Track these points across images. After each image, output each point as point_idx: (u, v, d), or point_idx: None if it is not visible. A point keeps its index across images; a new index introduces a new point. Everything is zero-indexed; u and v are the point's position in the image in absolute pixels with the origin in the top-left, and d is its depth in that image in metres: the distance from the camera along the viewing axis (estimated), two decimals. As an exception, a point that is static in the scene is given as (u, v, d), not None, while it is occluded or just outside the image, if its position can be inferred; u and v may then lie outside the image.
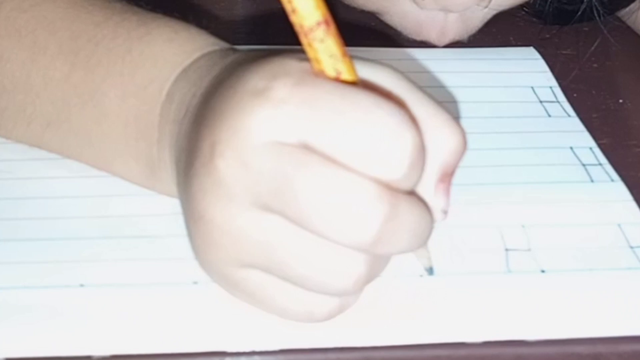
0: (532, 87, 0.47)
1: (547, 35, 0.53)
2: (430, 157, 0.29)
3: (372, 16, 0.53)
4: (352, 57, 0.29)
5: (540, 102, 0.46)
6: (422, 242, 0.29)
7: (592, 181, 0.39)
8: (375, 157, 0.27)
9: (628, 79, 0.49)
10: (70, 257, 0.33)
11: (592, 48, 0.51)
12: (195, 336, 0.30)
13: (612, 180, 0.39)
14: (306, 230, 0.28)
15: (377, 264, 0.29)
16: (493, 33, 0.52)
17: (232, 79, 0.30)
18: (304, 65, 0.29)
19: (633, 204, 0.37)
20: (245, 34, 0.53)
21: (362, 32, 0.53)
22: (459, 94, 0.46)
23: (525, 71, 0.49)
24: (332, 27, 0.28)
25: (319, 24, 0.27)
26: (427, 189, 0.30)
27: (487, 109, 0.45)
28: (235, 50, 0.35)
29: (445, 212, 0.31)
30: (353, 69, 0.29)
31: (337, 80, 0.28)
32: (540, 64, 0.50)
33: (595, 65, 0.50)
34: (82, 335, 0.30)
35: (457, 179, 0.38)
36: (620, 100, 0.46)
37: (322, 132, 0.27)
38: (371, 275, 0.29)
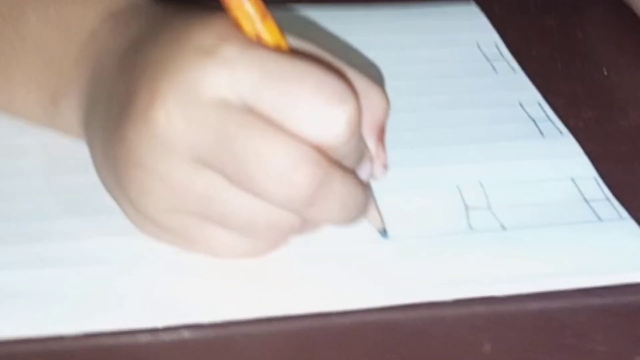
0: (477, 45, 0.48)
1: (532, 4, 0.53)
2: (365, 120, 0.31)
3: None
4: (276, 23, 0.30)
5: (487, 59, 0.46)
6: (354, 217, 0.31)
7: (542, 136, 0.40)
8: (318, 123, 0.28)
9: (612, 50, 0.49)
10: (29, 235, 0.32)
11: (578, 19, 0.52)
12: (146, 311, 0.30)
13: (562, 133, 0.40)
14: (243, 189, 0.29)
15: (306, 225, 0.31)
16: (476, 1, 0.52)
17: (173, 33, 0.30)
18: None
19: (584, 158, 0.39)
20: None
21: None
22: (405, 54, 0.46)
23: (468, 28, 0.49)
24: None
25: None
26: (370, 147, 0.32)
27: (433, 67, 0.45)
28: (160, 2, 0.35)
29: (386, 167, 0.33)
30: (277, 33, 0.30)
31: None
32: (483, 20, 0.50)
33: (580, 35, 0.50)
34: (50, 315, 0.29)
35: (412, 140, 0.39)
36: (605, 72, 0.46)
37: (270, 96, 0.28)
38: (300, 233, 0.31)
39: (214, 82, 0.28)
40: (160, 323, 0.29)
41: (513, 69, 0.46)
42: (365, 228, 0.34)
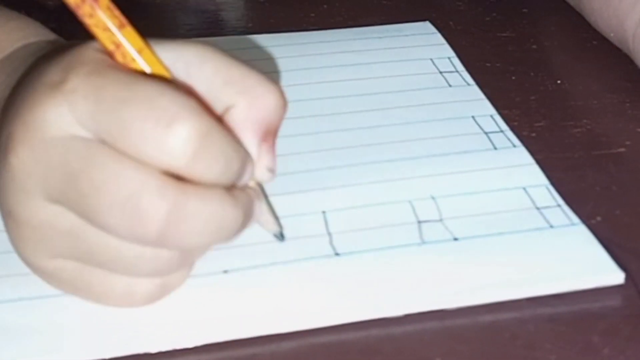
0: (431, 59, 0.48)
1: (487, 18, 0.54)
2: (249, 118, 0.29)
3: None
4: (136, 30, 0.29)
5: (440, 72, 0.47)
6: (223, 236, 0.29)
7: (495, 148, 0.40)
8: (158, 146, 0.27)
9: (566, 60, 0.49)
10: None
11: (531, 30, 0.52)
12: (117, 340, 0.30)
13: (514, 146, 0.40)
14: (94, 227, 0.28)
15: (186, 257, 0.30)
16: (433, 18, 0.53)
17: (33, 72, 0.30)
18: (101, 55, 0.28)
19: (536, 167, 0.38)
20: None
21: (264, 16, 0.53)
22: (361, 72, 0.47)
23: (423, 45, 0.49)
24: (102, 1, 0.28)
25: (83, 0, 0.28)
26: (251, 149, 0.30)
27: (389, 84, 0.45)
28: (58, 41, 0.35)
29: (271, 171, 0.31)
30: (138, 41, 0.29)
31: (119, 57, 0.28)
32: (437, 37, 0.50)
33: (534, 46, 0.51)
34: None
35: (367, 157, 0.39)
36: (559, 81, 0.46)
37: (106, 123, 0.27)
38: (185, 260, 0.29)
39: (56, 117, 0.27)
40: (110, 354, 0.29)
41: (467, 82, 0.46)
42: (314, 245, 0.34)
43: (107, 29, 0.28)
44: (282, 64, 0.47)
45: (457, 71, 0.47)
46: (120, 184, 0.26)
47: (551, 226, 0.35)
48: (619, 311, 0.31)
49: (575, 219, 0.35)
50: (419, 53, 0.49)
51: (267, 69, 0.47)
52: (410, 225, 0.35)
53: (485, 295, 0.32)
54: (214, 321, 0.30)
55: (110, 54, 0.29)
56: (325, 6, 0.55)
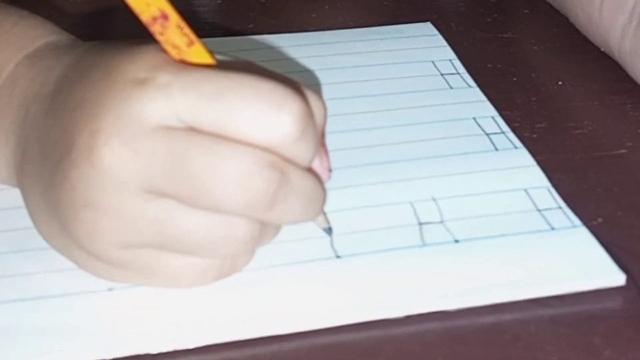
0: (432, 61, 0.48)
1: (488, 20, 0.54)
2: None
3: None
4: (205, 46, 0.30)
5: (442, 75, 0.47)
6: (315, 212, 0.31)
7: (496, 150, 0.40)
8: (265, 127, 0.28)
9: (568, 61, 0.49)
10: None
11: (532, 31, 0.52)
12: (117, 342, 0.30)
13: (516, 147, 0.40)
14: (199, 208, 0.29)
15: (268, 230, 0.31)
16: (434, 19, 0.53)
17: (103, 69, 0.30)
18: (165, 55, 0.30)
19: (537, 168, 0.38)
20: (88, 28, 0.52)
21: (265, 18, 0.53)
22: (362, 74, 0.46)
23: (424, 47, 0.49)
24: (172, 20, 0.29)
25: (154, 19, 0.29)
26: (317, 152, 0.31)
27: (391, 85, 0.45)
28: (80, 41, 0.35)
29: (330, 171, 0.34)
30: (207, 57, 0.30)
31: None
32: (438, 39, 0.50)
33: (535, 48, 0.51)
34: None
35: (368, 158, 0.39)
36: (560, 83, 0.46)
37: (211, 112, 0.28)
38: (260, 241, 0.31)
39: (152, 110, 0.28)
40: (111, 355, 0.29)
41: (468, 84, 0.46)
42: (315, 247, 0.34)
43: (176, 47, 0.29)
44: (283, 64, 0.47)
45: (458, 73, 0.47)
46: (232, 161, 0.28)
47: (552, 228, 0.35)
48: (620, 313, 0.31)
49: (576, 220, 0.35)
50: (420, 55, 0.48)
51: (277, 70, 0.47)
52: (411, 227, 0.35)
53: (486, 296, 0.32)
54: (215, 322, 0.30)
55: (176, 50, 0.30)
56: (326, 7, 0.55)
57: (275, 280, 0.32)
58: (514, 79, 0.47)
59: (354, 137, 0.41)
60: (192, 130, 0.28)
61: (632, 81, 0.45)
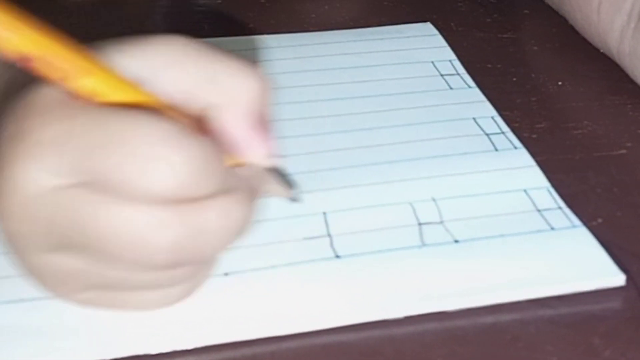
0: (432, 62, 0.48)
1: (488, 20, 0.54)
2: (231, 115, 0.29)
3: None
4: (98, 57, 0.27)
5: (441, 75, 0.47)
6: (243, 231, 0.29)
7: (496, 150, 0.40)
8: (151, 178, 0.26)
9: (567, 62, 0.49)
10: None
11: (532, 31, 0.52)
12: (113, 343, 0.30)
13: (516, 147, 0.40)
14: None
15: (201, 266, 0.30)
16: (434, 19, 0.53)
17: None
18: (55, 94, 0.27)
19: (537, 169, 0.38)
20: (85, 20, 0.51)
21: (265, 18, 0.53)
22: (362, 75, 0.46)
23: (424, 47, 0.49)
24: (38, 61, 0.26)
25: (21, 59, 0.26)
26: (242, 144, 0.29)
27: (390, 86, 0.45)
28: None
29: (271, 157, 0.30)
30: (91, 84, 0.27)
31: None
32: (438, 39, 0.50)
33: (535, 48, 0.50)
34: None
35: (367, 159, 0.39)
36: (560, 83, 0.46)
37: (90, 173, 0.26)
38: (205, 270, 0.30)
39: (28, 175, 0.26)
40: (111, 355, 0.29)
41: (467, 84, 0.46)
42: (315, 247, 0.34)
43: (56, 80, 0.26)
44: (283, 65, 0.47)
45: (458, 74, 0.47)
46: (123, 226, 0.26)
47: (552, 228, 0.35)
48: (620, 313, 0.31)
49: (576, 221, 0.35)
50: (420, 56, 0.48)
51: (267, 70, 0.47)
52: (410, 228, 0.35)
53: (486, 296, 0.32)
54: (214, 323, 0.30)
55: (62, 85, 0.27)
56: (326, 7, 0.55)
57: (275, 280, 0.32)
58: (514, 79, 0.47)
59: (354, 137, 0.41)
60: (83, 184, 0.26)
61: (631, 81, 0.45)
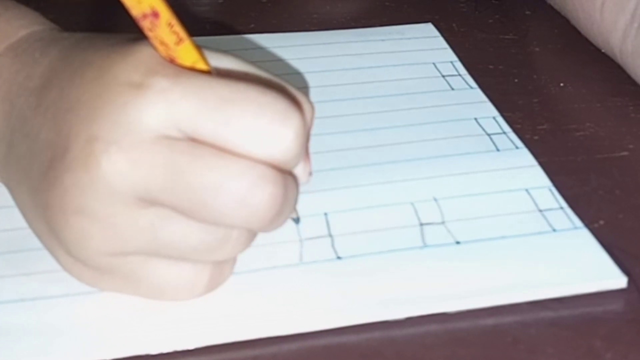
0: (433, 63, 0.48)
1: (490, 21, 0.54)
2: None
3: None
4: (198, 45, 0.29)
5: (443, 76, 0.46)
6: (290, 214, 0.31)
7: (497, 150, 0.40)
8: (267, 142, 0.28)
9: (569, 63, 0.49)
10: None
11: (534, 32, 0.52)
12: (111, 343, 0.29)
13: (517, 147, 0.40)
14: (196, 220, 0.28)
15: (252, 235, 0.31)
16: (435, 20, 0.53)
17: (95, 70, 0.29)
18: (159, 56, 0.29)
19: (538, 169, 0.38)
20: (86, 17, 0.52)
21: (267, 17, 0.53)
22: (364, 76, 0.46)
23: (425, 49, 0.49)
24: (163, 18, 0.28)
25: (145, 16, 0.28)
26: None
27: (392, 87, 0.45)
28: (64, 32, 0.34)
29: (311, 174, 0.34)
30: (195, 55, 0.29)
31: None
32: (439, 40, 0.50)
33: (537, 49, 0.50)
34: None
35: (369, 159, 0.39)
36: (562, 84, 0.46)
37: (212, 123, 0.28)
38: (246, 246, 0.31)
39: (151, 118, 0.27)
40: (111, 355, 0.29)
41: (469, 85, 0.46)
42: (316, 248, 0.34)
43: (164, 44, 0.28)
44: (284, 65, 0.47)
45: (459, 75, 0.47)
46: (238, 180, 0.27)
47: (554, 230, 0.35)
48: (622, 316, 0.31)
49: (578, 222, 0.35)
50: (422, 57, 0.48)
51: (269, 70, 0.46)
52: (412, 228, 0.35)
53: (487, 298, 0.31)
54: (215, 323, 0.30)
55: (167, 51, 0.29)
56: (327, 7, 0.55)
57: (276, 281, 0.32)
58: (516, 80, 0.47)
59: (356, 137, 0.41)
60: (192, 140, 0.28)
61: (634, 83, 0.45)
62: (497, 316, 0.31)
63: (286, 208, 0.29)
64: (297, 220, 0.34)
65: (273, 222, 0.29)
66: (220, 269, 0.31)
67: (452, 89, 0.45)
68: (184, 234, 0.29)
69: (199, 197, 0.27)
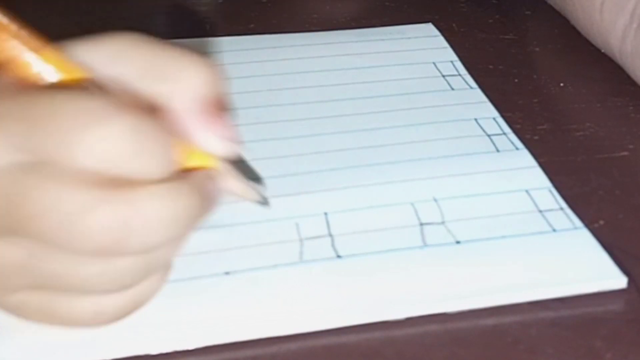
0: (433, 63, 0.48)
1: (490, 21, 0.54)
2: (182, 102, 0.29)
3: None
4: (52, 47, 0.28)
5: (443, 76, 0.46)
6: (186, 223, 0.28)
7: (497, 151, 0.40)
8: (91, 152, 0.26)
9: (569, 63, 0.49)
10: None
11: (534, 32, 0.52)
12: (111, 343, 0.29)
13: (517, 148, 0.40)
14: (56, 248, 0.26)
15: (144, 261, 0.28)
16: (435, 20, 0.53)
17: None
18: (9, 78, 0.27)
19: (538, 169, 0.38)
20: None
21: (266, 17, 0.53)
22: (364, 75, 0.46)
23: (425, 48, 0.49)
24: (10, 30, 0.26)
25: None
26: (198, 131, 0.29)
27: (392, 87, 0.45)
28: None
29: (229, 140, 0.30)
30: (34, 42, 0.27)
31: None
32: (440, 40, 0.50)
33: (537, 49, 0.50)
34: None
35: (369, 159, 0.39)
36: (562, 84, 0.46)
37: (43, 142, 0.26)
38: (147, 269, 0.28)
39: None
40: (111, 355, 0.29)
41: (469, 85, 0.46)
42: (316, 247, 0.34)
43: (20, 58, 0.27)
44: (284, 65, 0.47)
45: (459, 75, 0.47)
46: (63, 204, 0.25)
47: (554, 230, 0.35)
48: (622, 316, 0.31)
49: (577, 222, 0.35)
50: (422, 56, 0.48)
51: (269, 70, 0.47)
52: (412, 228, 0.35)
53: (487, 298, 0.31)
54: (215, 323, 0.30)
55: (10, 67, 0.27)
56: (328, 7, 0.55)
57: (276, 280, 0.32)
58: (516, 80, 0.47)
59: (355, 137, 0.41)
60: (41, 161, 0.26)
61: (633, 83, 0.45)
62: (497, 316, 0.31)
63: (145, 223, 0.26)
64: (265, 202, 0.32)
65: (122, 243, 0.26)
66: (133, 293, 0.29)
67: (452, 89, 0.45)
68: (58, 270, 0.27)
69: (31, 225, 0.26)
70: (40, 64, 0.27)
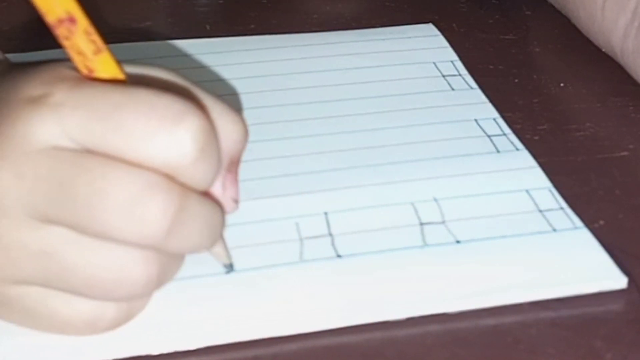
0: (434, 63, 0.48)
1: (490, 21, 0.54)
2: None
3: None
4: (118, 59, 0.28)
5: (443, 76, 0.46)
6: (215, 238, 0.29)
7: (498, 151, 0.40)
8: (159, 145, 0.26)
9: (569, 63, 0.49)
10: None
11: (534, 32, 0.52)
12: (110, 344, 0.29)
13: (517, 149, 0.40)
14: (89, 236, 0.26)
15: (169, 264, 0.28)
16: (435, 20, 0.52)
17: (3, 91, 0.28)
18: (77, 73, 0.28)
19: (539, 170, 0.38)
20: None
21: (267, 18, 0.53)
22: (364, 75, 0.46)
23: (426, 48, 0.49)
24: (80, 25, 0.27)
25: (60, 21, 0.27)
26: (217, 179, 0.30)
27: (392, 87, 0.45)
28: (3, 60, 0.33)
29: (236, 202, 0.31)
30: (114, 67, 0.28)
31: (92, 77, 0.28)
32: (440, 40, 0.50)
33: (537, 49, 0.50)
34: None
35: (369, 159, 0.39)
36: (562, 84, 0.46)
37: (102, 131, 0.26)
38: (163, 276, 0.28)
39: (41, 131, 0.26)
40: (111, 355, 0.29)
41: (470, 85, 0.46)
42: (316, 247, 0.34)
43: (81, 53, 0.27)
44: (284, 65, 0.47)
45: (460, 75, 0.47)
46: (124, 187, 0.26)
47: (554, 230, 0.35)
48: (622, 316, 0.31)
49: (578, 222, 0.35)
50: (422, 56, 0.48)
51: (269, 71, 0.47)
52: (412, 228, 0.35)
53: (487, 298, 0.31)
54: (216, 323, 0.30)
55: (83, 60, 0.28)
56: (328, 7, 0.55)
57: (276, 280, 0.32)
58: (516, 80, 0.47)
59: (356, 138, 0.41)
60: (86, 150, 0.26)
61: (634, 83, 0.45)
62: (497, 316, 0.31)
63: (188, 224, 0.27)
64: (230, 268, 0.32)
65: (171, 237, 0.26)
66: (128, 308, 0.29)
67: (453, 89, 0.45)
68: (76, 262, 0.27)
69: (82, 210, 0.26)
70: (104, 60, 0.28)
